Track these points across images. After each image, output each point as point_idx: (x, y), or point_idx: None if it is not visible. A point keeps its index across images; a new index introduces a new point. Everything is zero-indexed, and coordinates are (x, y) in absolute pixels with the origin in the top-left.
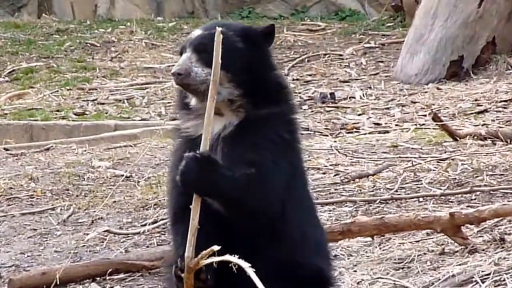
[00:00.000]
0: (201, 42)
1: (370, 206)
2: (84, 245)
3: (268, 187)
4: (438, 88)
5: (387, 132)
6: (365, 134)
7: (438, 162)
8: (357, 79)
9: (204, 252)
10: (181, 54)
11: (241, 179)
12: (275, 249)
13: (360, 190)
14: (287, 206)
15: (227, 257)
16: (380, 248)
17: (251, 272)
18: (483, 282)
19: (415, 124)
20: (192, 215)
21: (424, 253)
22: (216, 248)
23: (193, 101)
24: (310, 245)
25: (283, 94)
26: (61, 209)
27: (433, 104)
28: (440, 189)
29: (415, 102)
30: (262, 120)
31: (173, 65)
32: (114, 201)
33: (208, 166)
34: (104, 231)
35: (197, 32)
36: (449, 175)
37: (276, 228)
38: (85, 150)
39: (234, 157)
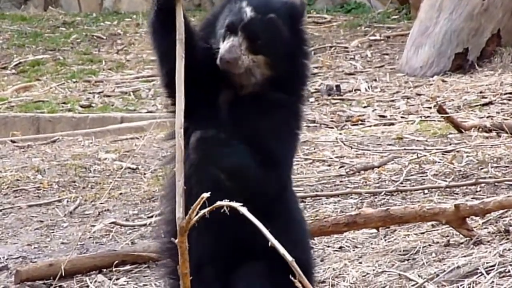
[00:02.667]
0: (254, 29)
1: (375, 198)
2: (90, 237)
3: (278, 169)
4: (443, 81)
5: (392, 124)
6: (370, 126)
7: (443, 154)
8: (362, 72)
9: (194, 205)
10: (229, 29)
11: (246, 157)
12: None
13: (366, 182)
14: (282, 192)
15: (218, 203)
16: (385, 240)
17: (246, 212)
18: (488, 274)
19: (420, 116)
20: (177, 176)
21: (429, 245)
22: (206, 195)
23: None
24: (292, 233)
25: (302, 85)
26: (67, 201)
27: (438, 97)
28: (445, 181)
29: (420, 95)
30: (274, 102)
31: None
32: (121, 193)
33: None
34: (111, 223)
35: (248, 12)
36: (454, 167)
37: (268, 211)
38: (91, 142)
39: (242, 132)
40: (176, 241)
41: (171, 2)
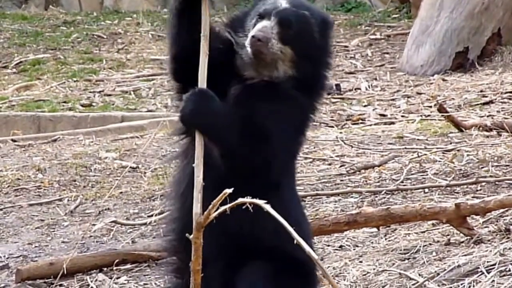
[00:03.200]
0: (288, 18)
1: (376, 197)
2: (91, 236)
3: (266, 144)
4: (443, 79)
5: (393, 123)
6: (370, 125)
7: (443, 153)
8: (362, 71)
9: (214, 201)
10: (260, 16)
11: (238, 118)
12: (258, 225)
13: (366, 181)
14: (281, 182)
15: (240, 200)
16: (385, 239)
17: (269, 209)
18: (488, 273)
19: (421, 115)
20: (196, 172)
21: (430, 244)
22: (229, 191)
23: (247, 72)
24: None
25: (318, 94)
26: (68, 200)
27: (439, 95)
28: (446, 180)
29: (420, 93)
30: (285, 98)
31: None
32: (121, 192)
33: (205, 98)
34: (111, 221)
35: (283, 3)
36: (455, 166)
37: (267, 199)
38: (92, 141)
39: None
40: (191, 237)
41: None
